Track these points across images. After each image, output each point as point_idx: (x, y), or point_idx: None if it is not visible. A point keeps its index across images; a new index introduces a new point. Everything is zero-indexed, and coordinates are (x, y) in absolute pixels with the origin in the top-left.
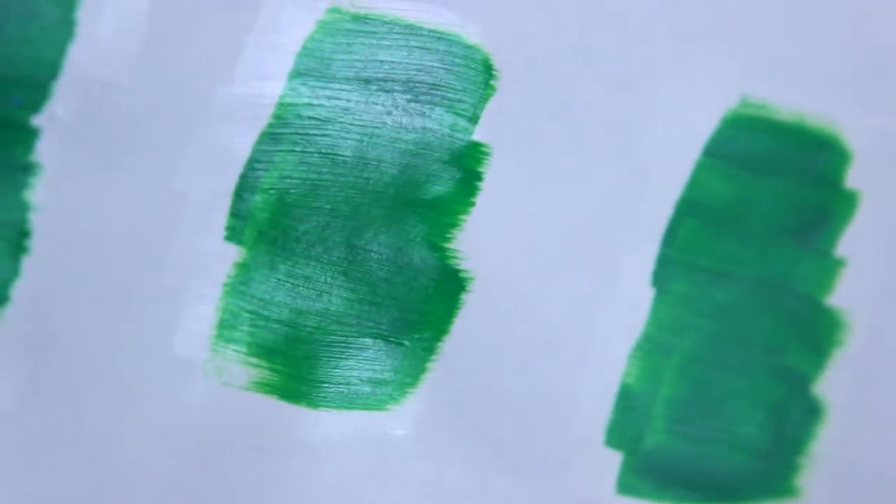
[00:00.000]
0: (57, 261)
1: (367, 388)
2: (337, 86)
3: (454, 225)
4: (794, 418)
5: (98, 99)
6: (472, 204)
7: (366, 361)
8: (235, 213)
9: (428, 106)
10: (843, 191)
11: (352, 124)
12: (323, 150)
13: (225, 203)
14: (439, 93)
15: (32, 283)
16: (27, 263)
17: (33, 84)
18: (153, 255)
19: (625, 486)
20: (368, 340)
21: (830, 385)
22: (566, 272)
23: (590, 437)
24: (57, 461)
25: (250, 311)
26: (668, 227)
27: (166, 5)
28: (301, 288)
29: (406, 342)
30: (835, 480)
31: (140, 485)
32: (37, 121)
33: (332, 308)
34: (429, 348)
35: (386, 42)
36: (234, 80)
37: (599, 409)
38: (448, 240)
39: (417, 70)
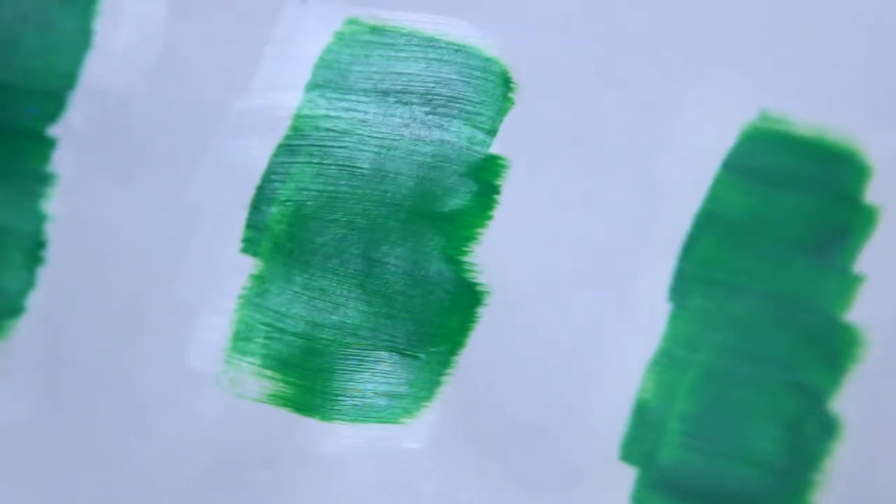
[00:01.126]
0: (72, 271)
1: (382, 402)
2: (354, 97)
3: (471, 238)
4: (810, 434)
5: (114, 110)
6: (490, 217)
7: (381, 374)
8: (252, 225)
9: (446, 118)
10: (862, 206)
11: (369, 136)
12: (340, 163)
13: (240, 215)
14: (457, 105)
15: (48, 294)
16: (43, 274)
17: (50, 95)
18: (168, 266)
19: (640, 501)
20: (384, 353)
21: (847, 401)
22: (583, 286)
23: (605, 451)
24: (71, 472)
25: (265, 324)
26: (686, 242)
27: (183, 16)
28: (317, 300)
29: (421, 355)
30: (849, 498)
31: (153, 496)
32: (53, 131)
33: (348, 321)
34: (444, 362)
35: (404, 54)
36: (251, 91)
37: (614, 424)
38: (465, 253)
39: (435, 82)
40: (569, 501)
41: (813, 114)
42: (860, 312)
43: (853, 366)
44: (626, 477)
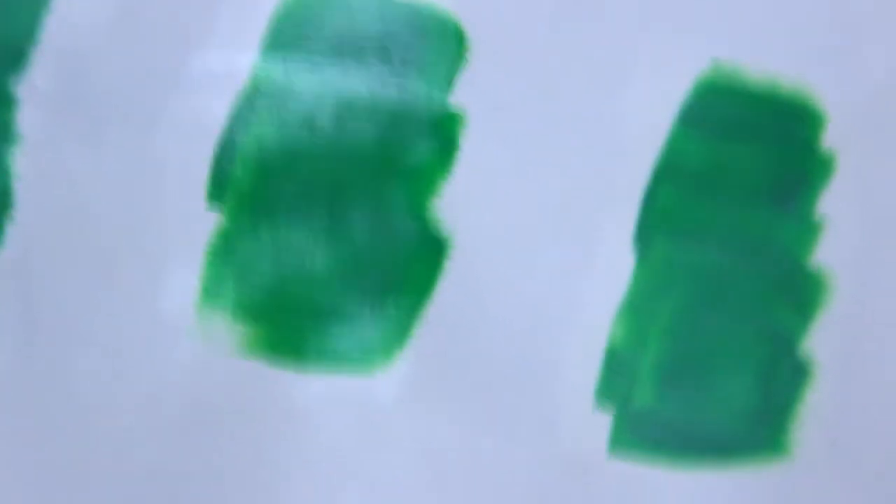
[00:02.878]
0: (41, 229)
1: (353, 353)
2: (311, 57)
3: (433, 192)
4: (782, 378)
5: (75, 69)
6: (450, 172)
7: (350, 326)
8: (215, 180)
9: (402, 76)
10: (819, 153)
11: (328, 95)
12: (300, 121)
13: (205, 170)
14: (413, 63)
15: (17, 252)
16: (12, 232)
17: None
18: (136, 222)
19: (617, 446)
20: (353, 305)
21: (817, 344)
22: (548, 237)
23: (579, 397)
24: (45, 425)
25: (234, 276)
26: (646, 193)
27: None
28: (284, 253)
29: (390, 307)
30: (824, 438)
31: (127, 448)
32: (16, 91)
33: (316, 273)
34: (413, 314)
35: (359, 13)
36: (209, 48)
37: (587, 371)
38: (428, 206)
39: (391, 41)
40: (546, 449)
41: (765, 62)
42: (824, 256)
43: (821, 309)
44: (603, 423)
